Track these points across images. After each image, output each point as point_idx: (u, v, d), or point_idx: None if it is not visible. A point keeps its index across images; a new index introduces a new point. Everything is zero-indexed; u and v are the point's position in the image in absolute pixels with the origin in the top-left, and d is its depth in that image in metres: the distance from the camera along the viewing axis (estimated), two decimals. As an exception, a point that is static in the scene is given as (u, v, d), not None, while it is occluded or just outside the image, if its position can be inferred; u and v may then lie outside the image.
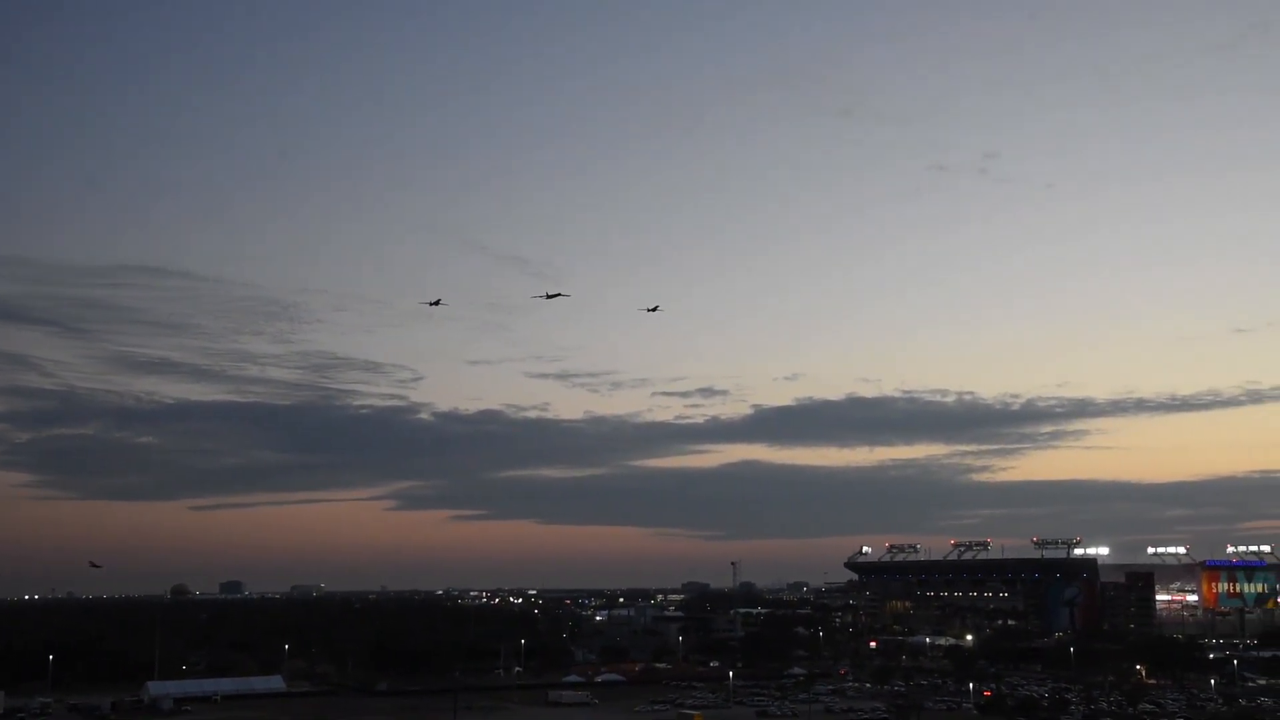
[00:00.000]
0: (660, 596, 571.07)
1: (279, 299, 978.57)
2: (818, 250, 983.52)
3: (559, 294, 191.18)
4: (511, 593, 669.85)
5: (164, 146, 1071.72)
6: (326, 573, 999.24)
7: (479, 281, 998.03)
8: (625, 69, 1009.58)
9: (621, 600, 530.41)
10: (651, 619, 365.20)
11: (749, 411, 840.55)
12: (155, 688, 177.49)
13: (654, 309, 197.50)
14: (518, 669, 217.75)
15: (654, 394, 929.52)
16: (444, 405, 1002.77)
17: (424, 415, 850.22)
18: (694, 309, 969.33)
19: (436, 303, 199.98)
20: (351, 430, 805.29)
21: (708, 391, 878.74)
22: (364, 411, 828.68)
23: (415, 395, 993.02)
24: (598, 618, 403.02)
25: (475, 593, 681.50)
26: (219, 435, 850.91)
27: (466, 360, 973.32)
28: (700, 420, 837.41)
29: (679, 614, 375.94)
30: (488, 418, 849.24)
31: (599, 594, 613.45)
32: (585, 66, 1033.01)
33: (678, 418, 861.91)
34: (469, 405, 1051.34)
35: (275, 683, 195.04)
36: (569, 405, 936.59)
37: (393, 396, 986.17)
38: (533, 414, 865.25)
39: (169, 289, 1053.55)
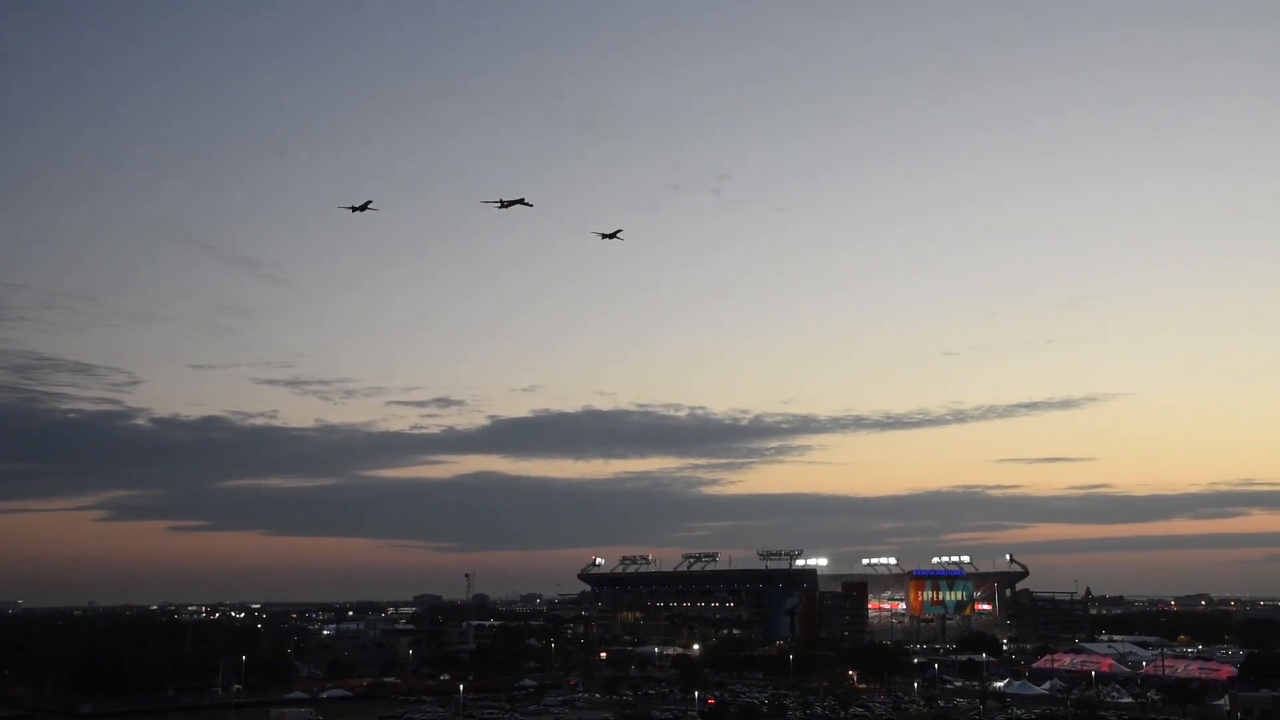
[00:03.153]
0: (391, 610, 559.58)
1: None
2: (556, 262, 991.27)
3: (519, 201, 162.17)
4: (233, 607, 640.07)
5: None
6: (25, 588, 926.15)
7: (204, 282, 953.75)
8: (365, 70, 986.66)
9: (350, 614, 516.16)
10: (381, 632, 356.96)
11: (485, 422, 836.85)
12: None
13: (614, 234, 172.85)
14: (237, 687, 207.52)
15: (389, 403, 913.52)
16: (163, 411, 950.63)
17: (141, 421, 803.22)
18: (432, 318, 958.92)
19: (364, 206, 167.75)
20: (58, 436, 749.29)
21: (444, 402, 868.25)
22: (72, 416, 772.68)
23: (131, 400, 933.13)
24: (325, 632, 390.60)
25: (194, 607, 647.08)
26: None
27: (189, 364, 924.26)
28: (436, 430, 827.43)
29: (410, 627, 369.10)
30: (211, 424, 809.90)
31: (327, 607, 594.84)
32: (324, 65, 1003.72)
33: (413, 428, 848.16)
34: (191, 411, 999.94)
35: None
36: (299, 413, 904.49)
37: (106, 400, 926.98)
38: (260, 421, 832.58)
39: None
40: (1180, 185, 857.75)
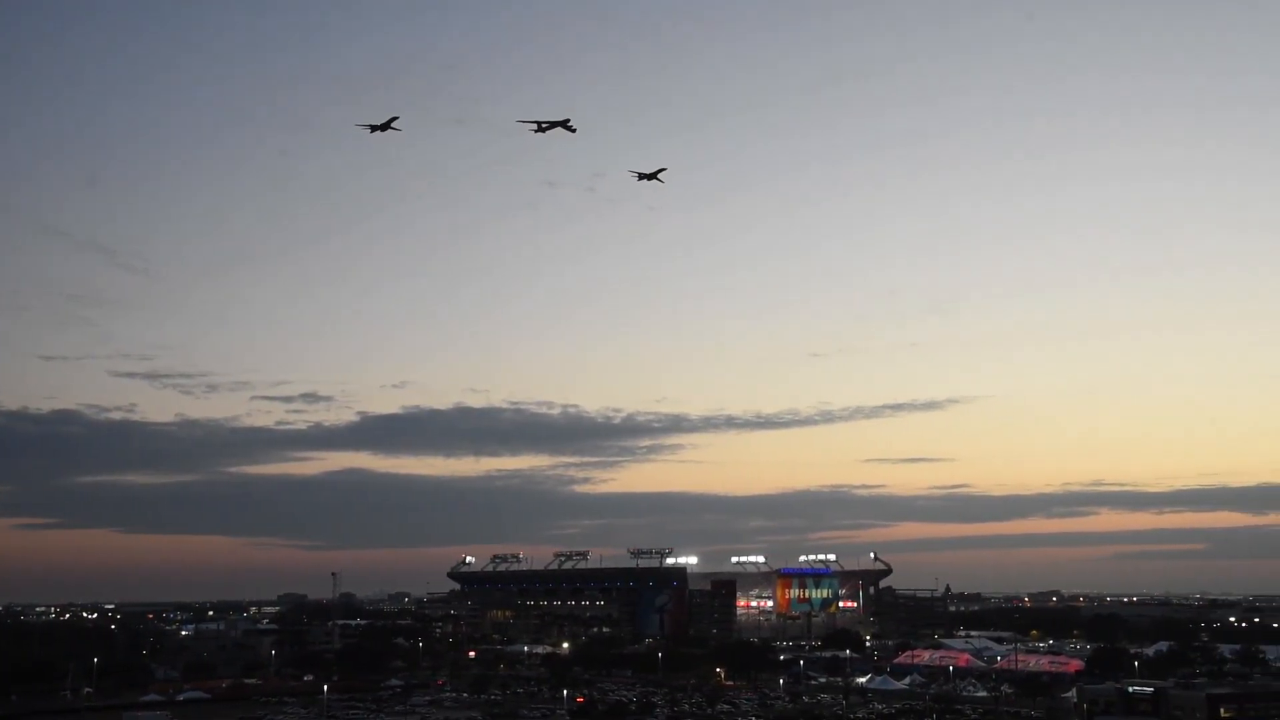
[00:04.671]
0: (254, 609, 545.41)
1: None
2: (427, 258, 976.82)
3: (560, 124, 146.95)
4: (85, 608, 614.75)
5: None
6: None
7: (57, 270, 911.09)
8: (234, 58, 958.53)
9: (211, 614, 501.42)
10: (243, 633, 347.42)
11: (354, 419, 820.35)
12: None
13: (654, 174, 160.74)
14: (88, 690, 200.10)
15: (254, 398, 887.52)
16: (11, 404, 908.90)
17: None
18: (300, 312, 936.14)
19: (387, 125, 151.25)
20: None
21: (311, 397, 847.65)
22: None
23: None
24: (183, 632, 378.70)
25: (42, 608, 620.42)
26: None
27: (40, 355, 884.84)
28: (303, 426, 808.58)
29: (273, 627, 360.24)
30: (64, 418, 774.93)
31: (186, 608, 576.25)
32: (187, 52, 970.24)
33: (279, 423, 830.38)
34: (42, 404, 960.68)
35: None
36: (159, 407, 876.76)
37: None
38: (117, 416, 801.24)
39: None
40: (1040, 196, 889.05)
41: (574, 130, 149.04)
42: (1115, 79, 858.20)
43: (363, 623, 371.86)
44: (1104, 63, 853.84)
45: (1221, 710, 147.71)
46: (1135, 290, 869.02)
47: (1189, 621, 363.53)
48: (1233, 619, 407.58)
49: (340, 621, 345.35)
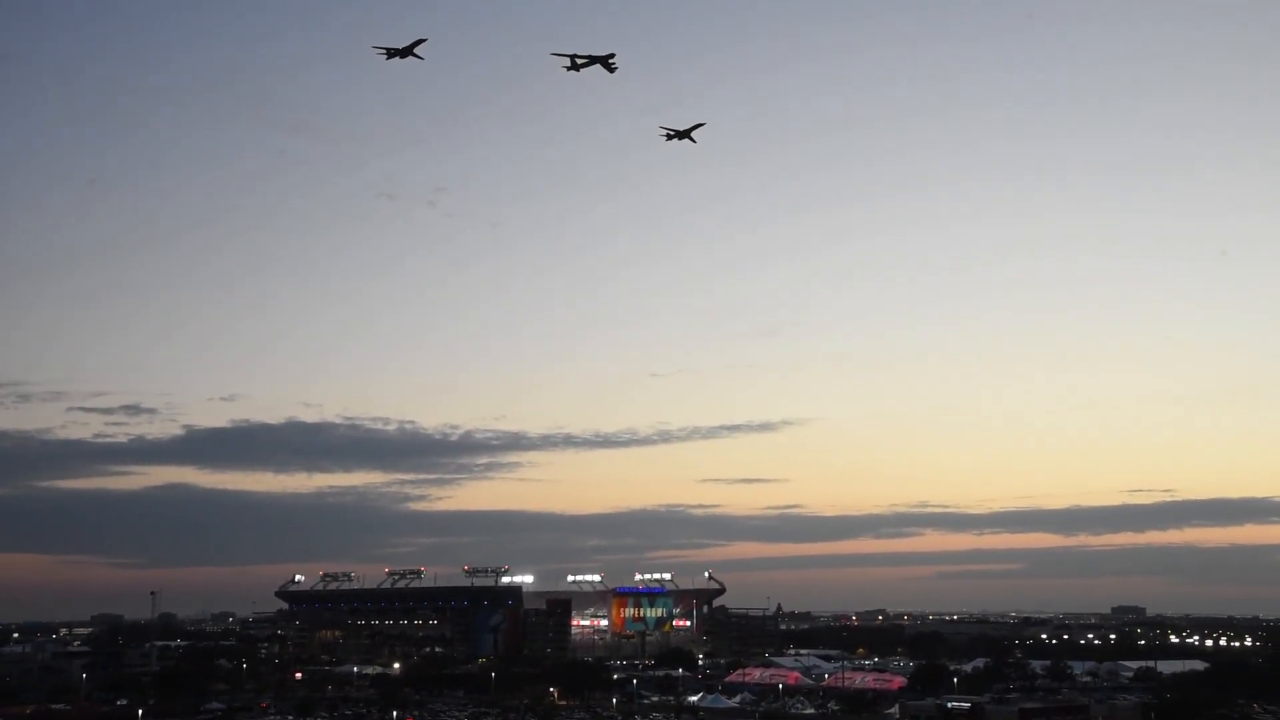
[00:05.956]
0: (64, 630, 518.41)
1: None
2: (260, 266, 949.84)
3: (600, 61, 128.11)
4: None
5: None
6: None
7: None
8: (61, 58, 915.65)
9: (16, 636, 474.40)
10: (51, 655, 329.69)
11: (180, 432, 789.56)
12: None
13: (687, 132, 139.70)
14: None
15: (70, 409, 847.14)
16: None
17: None
18: (122, 319, 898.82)
19: (409, 50, 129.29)
20: None
21: (133, 409, 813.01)
22: None
23: None
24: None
25: None
26: None
27: None
28: (123, 440, 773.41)
29: (85, 649, 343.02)
30: None
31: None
32: (15, 49, 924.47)
33: (97, 436, 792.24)
34: None
35: None
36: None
37: None
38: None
39: None
40: (872, 224, 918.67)
41: (614, 70, 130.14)
42: (952, 104, 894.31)
43: (184, 644, 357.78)
44: (937, 72, 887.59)
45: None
46: (959, 321, 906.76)
47: (1005, 639, 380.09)
48: (1044, 636, 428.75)
49: (159, 643, 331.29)
